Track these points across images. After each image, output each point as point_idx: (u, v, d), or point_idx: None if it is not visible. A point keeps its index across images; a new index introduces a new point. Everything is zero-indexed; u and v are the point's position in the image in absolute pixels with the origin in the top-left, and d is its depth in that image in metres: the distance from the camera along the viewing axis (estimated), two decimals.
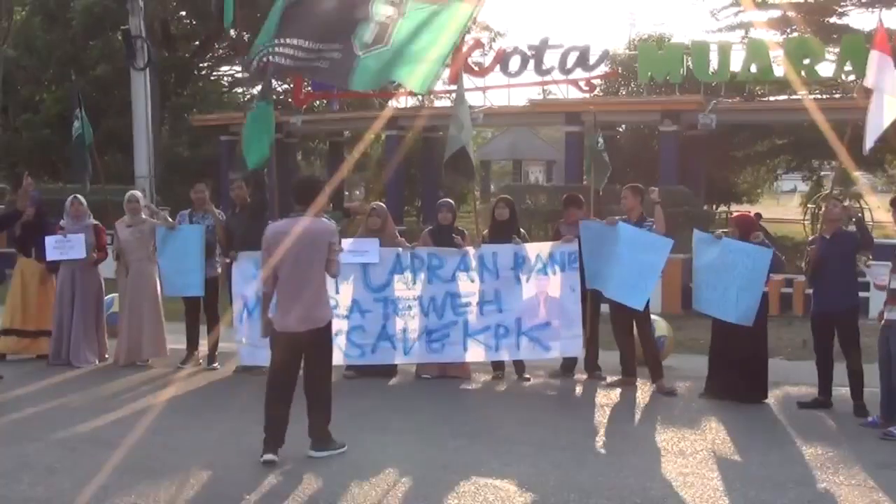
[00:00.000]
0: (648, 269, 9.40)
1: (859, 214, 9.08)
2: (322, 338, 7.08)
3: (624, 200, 9.77)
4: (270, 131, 10.01)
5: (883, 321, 8.11)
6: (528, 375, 10.09)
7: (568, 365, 10.22)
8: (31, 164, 30.58)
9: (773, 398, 9.23)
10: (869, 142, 8.67)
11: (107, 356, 10.85)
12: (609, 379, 9.93)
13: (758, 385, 9.09)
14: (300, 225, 6.93)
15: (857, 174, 16.75)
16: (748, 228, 9.30)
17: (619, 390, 9.59)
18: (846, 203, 9.18)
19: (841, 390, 8.86)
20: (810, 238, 9.15)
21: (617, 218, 9.69)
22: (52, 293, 10.80)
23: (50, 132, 29.35)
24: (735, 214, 9.66)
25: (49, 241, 10.67)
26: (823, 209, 9.22)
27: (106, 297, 11.17)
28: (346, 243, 9.60)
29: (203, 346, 10.79)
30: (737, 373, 9.00)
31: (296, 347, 6.97)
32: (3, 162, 30.15)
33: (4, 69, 26.51)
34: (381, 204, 10.67)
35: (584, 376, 10.12)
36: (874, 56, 8.94)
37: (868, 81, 8.93)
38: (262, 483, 6.52)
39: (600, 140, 10.40)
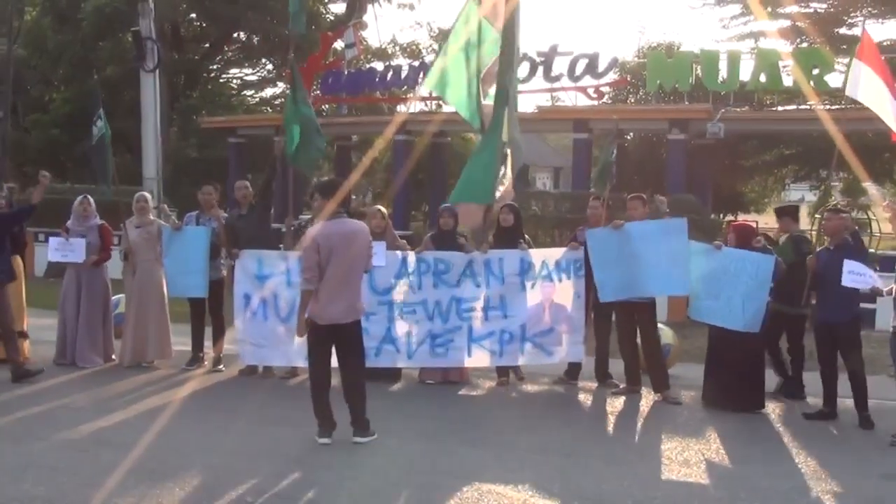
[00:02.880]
0: (675, 253, 9.34)
1: (856, 227, 9.06)
2: (359, 328, 7.71)
3: (634, 212, 9.72)
4: (295, 127, 10.23)
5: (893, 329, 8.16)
6: (522, 374, 10.13)
7: (572, 371, 10.21)
8: (39, 164, 30.63)
9: (777, 408, 9.21)
10: None
11: (113, 357, 10.85)
12: (613, 388, 9.91)
13: (756, 394, 9.07)
14: (347, 226, 7.55)
15: (867, 185, 16.72)
16: (747, 237, 9.30)
17: (623, 398, 9.57)
18: (843, 214, 9.15)
19: (846, 401, 8.83)
20: (818, 250, 9.12)
21: (620, 222, 9.66)
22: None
23: (59, 132, 29.43)
24: (734, 223, 9.68)
25: (52, 242, 10.73)
26: (823, 221, 9.22)
27: (113, 298, 11.17)
28: None
29: (208, 348, 10.80)
30: (734, 381, 8.99)
31: (331, 339, 7.53)
32: (12, 161, 30.22)
33: (14, 69, 26.54)
34: (382, 208, 10.65)
35: (591, 384, 10.09)
36: (860, 68, 9.08)
37: (850, 90, 9.10)
38: (265, 486, 6.51)
39: (614, 151, 10.46)
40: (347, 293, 7.47)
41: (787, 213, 10.05)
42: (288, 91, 10.99)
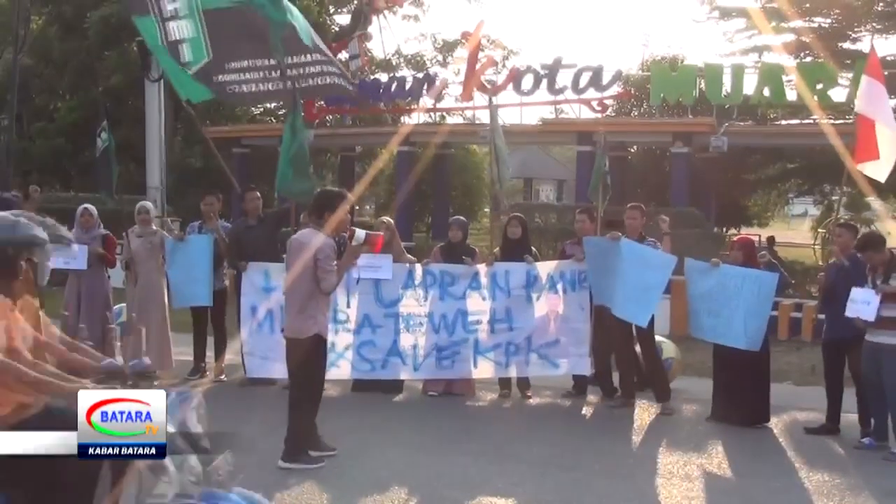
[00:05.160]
0: (651, 286, 9.34)
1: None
2: (304, 350, 7.12)
3: (630, 221, 9.75)
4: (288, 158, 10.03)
5: (866, 343, 8.13)
6: (530, 393, 10.07)
7: (580, 385, 10.18)
8: (44, 173, 30.70)
9: (780, 423, 9.19)
10: (884, 173, 8.88)
11: None
12: (607, 400, 9.89)
13: (760, 408, 9.05)
14: (304, 237, 7.24)
15: (871, 199, 16.72)
16: (751, 251, 9.29)
17: (625, 411, 9.55)
18: (839, 230, 9.15)
19: (849, 416, 8.81)
20: (825, 265, 9.12)
21: (619, 234, 9.69)
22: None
23: (64, 141, 29.48)
24: (737, 237, 9.65)
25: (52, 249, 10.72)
26: (834, 236, 9.21)
27: (115, 307, 11.16)
28: (359, 259, 9.64)
29: (210, 358, 10.80)
30: (740, 396, 8.97)
31: (293, 352, 7.23)
32: (17, 170, 30.27)
33: (20, 77, 26.58)
34: (389, 219, 10.68)
35: (594, 398, 10.06)
36: (865, 82, 9.11)
37: (859, 107, 9.10)
38: (266, 497, 6.50)
39: (606, 162, 10.49)
40: (291, 308, 7.25)
41: (614, 226, 10.40)
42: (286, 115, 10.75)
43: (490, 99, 11.99)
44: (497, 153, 10.58)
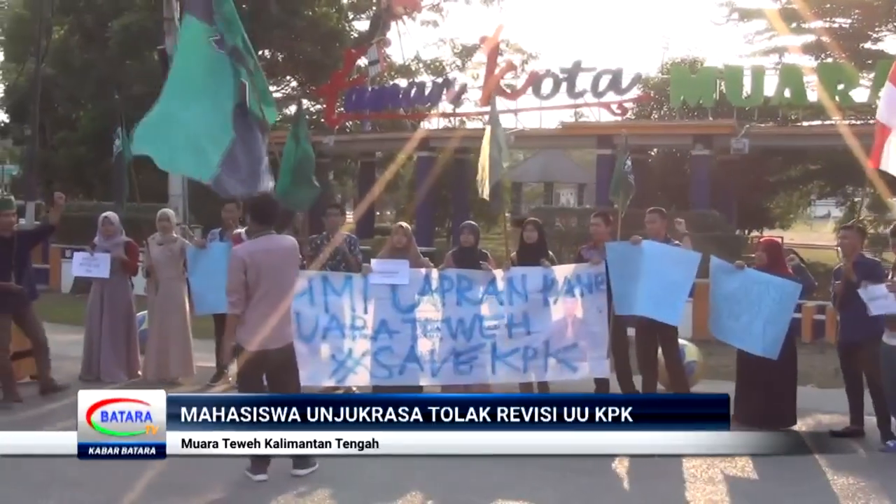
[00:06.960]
0: (677, 283, 9.26)
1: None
2: (291, 354, 7.29)
3: (651, 225, 9.69)
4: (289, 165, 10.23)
5: (884, 346, 8.07)
6: None
7: (602, 388, 10.13)
8: (66, 182, 30.95)
9: (804, 426, 9.12)
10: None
11: (139, 373, 10.89)
12: None
13: (786, 411, 8.97)
14: (276, 243, 7.14)
15: (892, 200, 16.57)
16: (777, 254, 9.21)
17: None
18: (844, 233, 9.07)
19: (873, 419, 8.74)
20: (835, 268, 9.05)
21: (640, 237, 9.62)
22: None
23: (86, 150, 29.69)
24: (763, 239, 9.55)
25: (76, 257, 10.84)
26: (839, 238, 9.16)
27: (138, 315, 11.22)
28: (376, 264, 9.65)
29: (232, 365, 10.81)
30: (764, 399, 8.89)
31: (263, 365, 7.04)
32: (40, 179, 30.53)
33: (42, 87, 26.83)
34: (406, 224, 10.66)
35: None
36: (886, 88, 9.00)
37: (879, 114, 8.98)
38: (285, 501, 6.52)
39: (628, 163, 10.41)
40: (277, 317, 7.00)
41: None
42: (292, 126, 10.89)
43: (493, 104, 11.74)
44: (489, 160, 10.40)
